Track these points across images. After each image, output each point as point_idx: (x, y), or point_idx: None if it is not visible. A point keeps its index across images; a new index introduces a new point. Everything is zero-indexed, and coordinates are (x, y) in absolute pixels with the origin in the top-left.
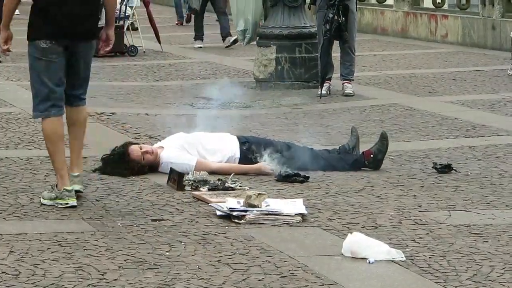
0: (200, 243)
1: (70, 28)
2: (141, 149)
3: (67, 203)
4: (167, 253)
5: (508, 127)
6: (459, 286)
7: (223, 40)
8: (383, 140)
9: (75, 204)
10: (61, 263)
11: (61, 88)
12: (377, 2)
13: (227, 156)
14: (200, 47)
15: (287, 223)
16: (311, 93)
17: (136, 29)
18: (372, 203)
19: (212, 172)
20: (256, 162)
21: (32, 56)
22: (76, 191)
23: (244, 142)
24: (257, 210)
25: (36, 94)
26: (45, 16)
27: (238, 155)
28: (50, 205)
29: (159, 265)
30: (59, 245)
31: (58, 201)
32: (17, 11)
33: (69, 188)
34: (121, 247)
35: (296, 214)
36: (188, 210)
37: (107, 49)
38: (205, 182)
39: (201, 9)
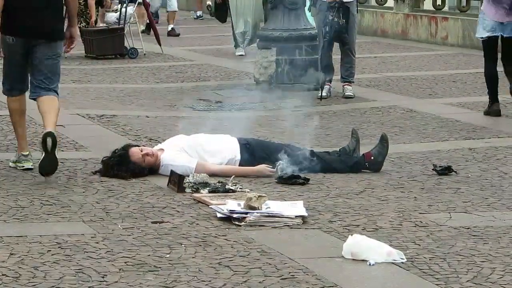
0: (200, 245)
1: (31, 28)
2: (141, 151)
3: (23, 166)
4: (168, 256)
5: (508, 129)
6: None
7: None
8: (383, 142)
9: (31, 167)
10: (62, 266)
11: (20, 77)
12: (377, 4)
13: (228, 158)
14: (242, 55)
15: (287, 225)
16: (312, 95)
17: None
18: (373, 205)
19: (213, 174)
20: (256, 164)
21: (1, 49)
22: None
23: (244, 144)
24: (257, 212)
25: (1, 79)
26: (9, 15)
27: (238, 157)
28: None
29: (160, 267)
30: (59, 247)
31: (17, 164)
32: None
33: (25, 153)
34: (121, 250)
35: (296, 216)
36: (189, 212)
37: (72, 46)
38: (205, 184)
39: None
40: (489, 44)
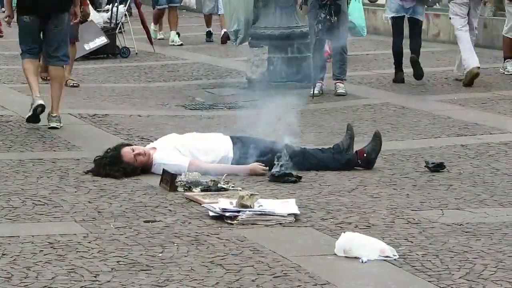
0: (193, 244)
1: (43, 5)
2: (133, 150)
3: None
4: (160, 255)
5: (500, 125)
6: (452, 284)
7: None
8: (376, 139)
9: (42, 102)
10: (54, 266)
11: (36, 45)
12: (369, 2)
13: (220, 156)
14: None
15: (280, 223)
16: (304, 93)
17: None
18: (365, 202)
19: (205, 173)
20: (249, 162)
21: (19, 26)
22: (53, 127)
23: (237, 142)
24: (249, 211)
25: (20, 48)
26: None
27: (231, 155)
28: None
29: (152, 266)
30: (51, 247)
31: (33, 105)
32: None
33: (38, 95)
34: (113, 249)
35: (289, 214)
36: (181, 211)
37: (75, 20)
38: (197, 183)
39: None
40: (396, 23)
